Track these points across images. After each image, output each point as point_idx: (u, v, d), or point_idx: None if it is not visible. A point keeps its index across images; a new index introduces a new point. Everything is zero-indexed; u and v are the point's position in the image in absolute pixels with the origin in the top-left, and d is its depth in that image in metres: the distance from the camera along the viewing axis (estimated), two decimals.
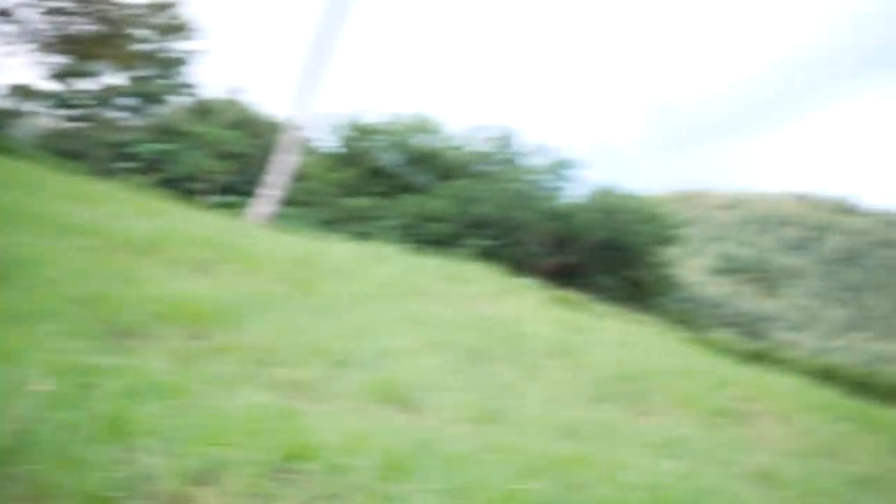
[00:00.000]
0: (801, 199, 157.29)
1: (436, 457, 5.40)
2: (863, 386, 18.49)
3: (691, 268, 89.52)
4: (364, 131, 43.90)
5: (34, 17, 34.86)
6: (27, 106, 44.88)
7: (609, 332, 15.92)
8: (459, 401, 7.44)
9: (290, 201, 34.42)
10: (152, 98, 45.10)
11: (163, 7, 42.14)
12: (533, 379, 9.45)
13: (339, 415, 6.16)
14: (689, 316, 42.26)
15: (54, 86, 42.90)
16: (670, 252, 47.21)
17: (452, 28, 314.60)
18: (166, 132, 43.01)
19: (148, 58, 42.85)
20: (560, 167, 44.29)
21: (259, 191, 31.29)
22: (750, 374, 14.47)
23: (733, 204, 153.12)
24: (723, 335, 31.91)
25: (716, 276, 71.27)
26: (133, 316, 7.51)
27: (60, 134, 44.16)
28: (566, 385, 9.59)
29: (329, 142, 45.13)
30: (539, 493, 5.21)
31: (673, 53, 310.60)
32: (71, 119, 44.47)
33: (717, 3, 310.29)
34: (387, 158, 43.78)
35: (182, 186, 38.59)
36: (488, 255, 31.61)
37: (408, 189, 41.40)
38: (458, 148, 45.09)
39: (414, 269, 17.69)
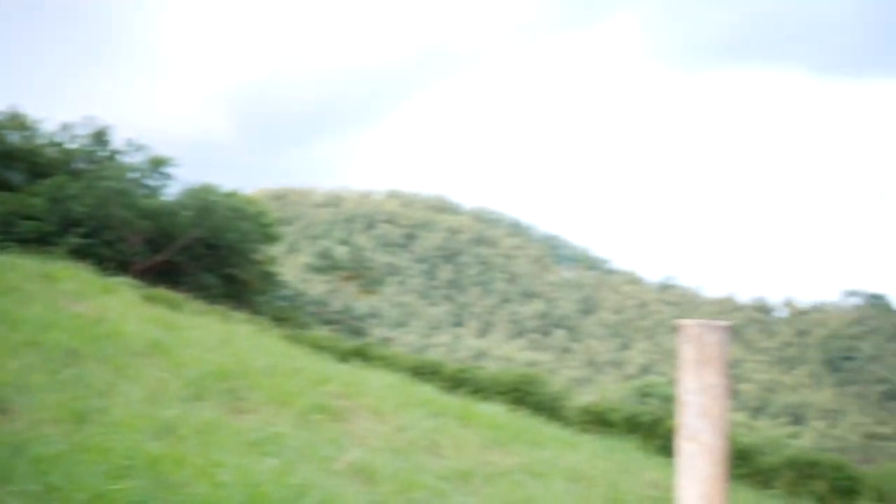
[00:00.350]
0: (398, 197, 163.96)
1: (27, 458, 5.51)
2: (460, 381, 19.31)
3: (292, 265, 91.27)
4: None
5: None
6: None
7: (205, 331, 16.13)
8: (51, 401, 7.48)
9: None
10: None
11: None
12: (127, 378, 9.54)
13: None
14: (290, 314, 43.25)
15: None
16: (270, 250, 48.26)
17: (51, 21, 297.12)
18: None
19: None
20: (157, 165, 44.47)
21: None
22: (348, 371, 15.21)
23: (332, 202, 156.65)
24: (323, 333, 32.88)
25: (315, 274, 72.92)
26: None
27: None
28: (161, 384, 9.74)
29: None
30: (133, 493, 5.49)
31: (268, 52, 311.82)
32: None
33: (314, 3, 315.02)
34: None
35: None
36: (83, 253, 31.01)
37: (1, 187, 39.68)
38: (55, 145, 44.08)
39: (3, 267, 17.06)
